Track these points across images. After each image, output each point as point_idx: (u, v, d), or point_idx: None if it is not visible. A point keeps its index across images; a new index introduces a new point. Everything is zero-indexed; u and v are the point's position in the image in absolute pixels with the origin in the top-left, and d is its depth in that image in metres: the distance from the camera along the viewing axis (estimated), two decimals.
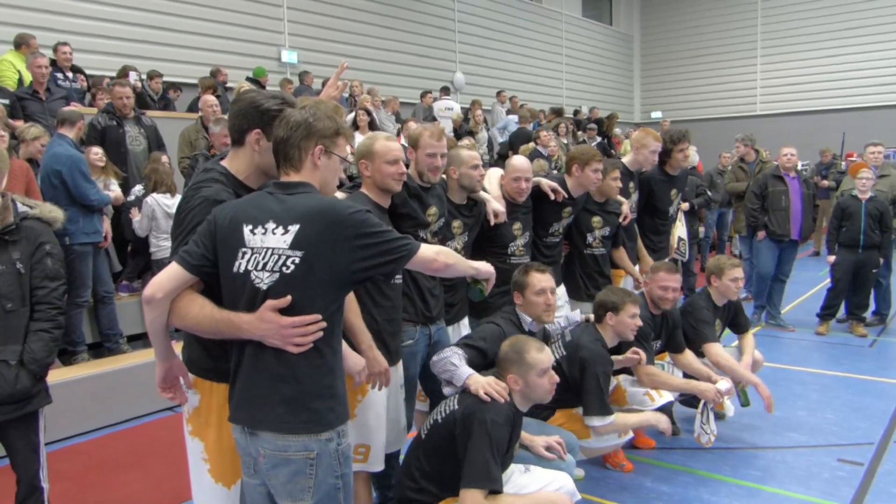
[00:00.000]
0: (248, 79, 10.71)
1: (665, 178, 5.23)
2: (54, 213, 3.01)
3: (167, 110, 8.98)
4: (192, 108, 8.89)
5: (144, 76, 9.22)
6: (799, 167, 13.11)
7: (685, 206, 7.81)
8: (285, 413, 2.01)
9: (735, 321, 4.88)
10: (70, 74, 7.50)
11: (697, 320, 4.54)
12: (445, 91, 13.41)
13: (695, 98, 22.71)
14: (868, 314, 7.79)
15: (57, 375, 5.16)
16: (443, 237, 3.57)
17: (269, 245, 2.03)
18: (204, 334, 2.16)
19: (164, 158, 6.54)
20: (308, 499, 2.04)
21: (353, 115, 9.62)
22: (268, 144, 2.28)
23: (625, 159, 5.19)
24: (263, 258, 2.03)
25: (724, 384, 4.17)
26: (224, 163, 2.39)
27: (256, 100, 2.34)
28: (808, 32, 20.75)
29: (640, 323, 3.83)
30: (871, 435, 4.72)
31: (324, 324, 2.03)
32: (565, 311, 4.27)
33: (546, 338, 3.87)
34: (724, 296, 4.67)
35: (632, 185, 5.02)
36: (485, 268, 2.58)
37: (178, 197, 6.24)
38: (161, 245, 6.13)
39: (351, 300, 2.78)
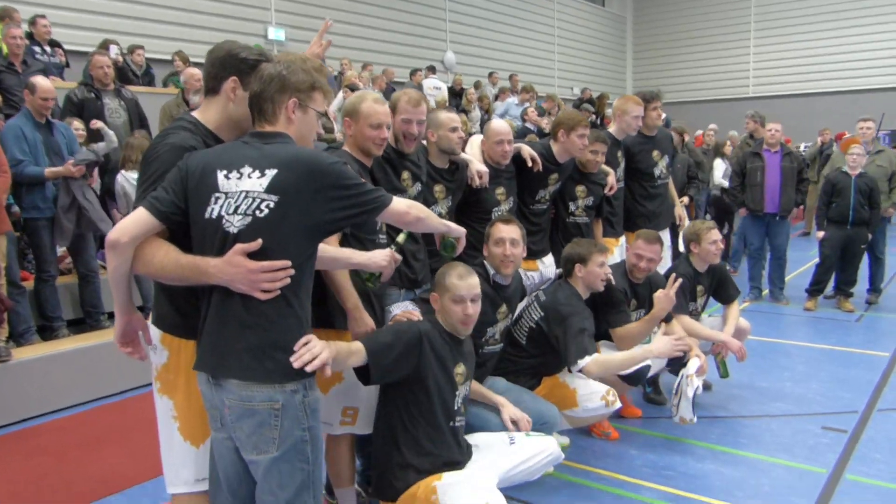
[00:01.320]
0: None
1: (643, 140, 5.16)
2: None
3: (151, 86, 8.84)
4: (166, 83, 8.76)
5: (126, 50, 9.07)
6: (801, 148, 13.08)
7: (685, 199, 7.79)
8: (250, 360, 1.97)
9: (720, 290, 4.84)
10: (48, 48, 7.35)
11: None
12: (432, 70, 13.28)
13: (687, 80, 22.65)
14: (864, 291, 7.80)
15: (38, 350, 5.11)
16: (425, 202, 3.51)
17: (243, 188, 2.00)
18: (169, 281, 2.10)
19: (137, 135, 6.37)
20: (273, 451, 2.00)
21: (340, 93, 9.54)
22: (244, 94, 2.24)
23: (611, 129, 5.13)
24: (237, 201, 1.99)
25: (694, 364, 4.08)
26: (195, 113, 2.35)
27: (233, 49, 2.30)
28: (801, 14, 20.70)
29: (609, 271, 3.81)
30: (855, 404, 4.71)
31: (292, 271, 1.98)
32: (543, 271, 4.21)
33: (523, 295, 3.83)
34: (706, 260, 4.65)
35: (619, 153, 4.97)
36: (456, 227, 2.61)
37: None
38: None
39: None
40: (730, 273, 8.33)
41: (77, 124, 6.09)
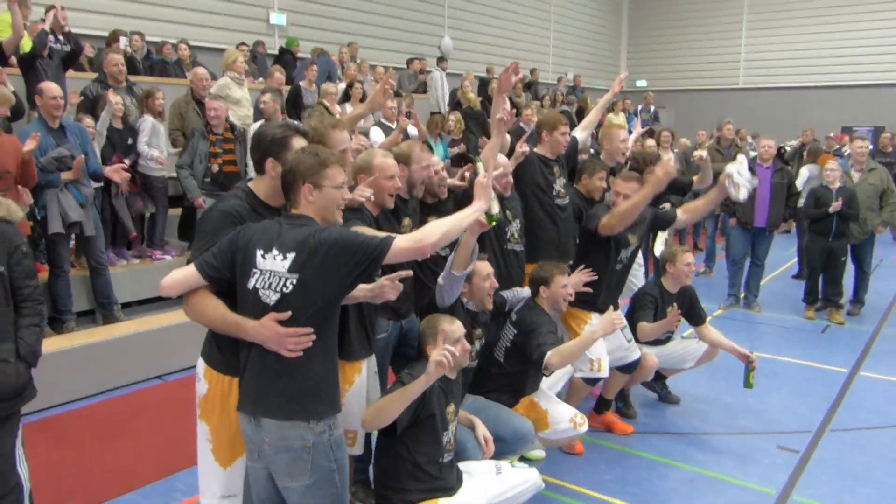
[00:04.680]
0: (281, 49, 11.52)
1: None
2: (14, 211, 3.02)
3: (152, 74, 9.00)
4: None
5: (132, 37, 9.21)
6: (793, 144, 13.25)
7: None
8: (283, 403, 2.42)
9: (691, 311, 5.14)
10: (61, 38, 7.46)
11: (638, 305, 4.98)
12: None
13: (679, 68, 22.87)
14: (846, 302, 8.22)
15: (50, 345, 5.33)
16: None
17: (272, 268, 2.42)
18: (215, 330, 2.59)
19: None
20: (306, 479, 2.44)
21: (343, 86, 9.71)
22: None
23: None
24: (269, 279, 2.43)
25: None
26: (251, 184, 2.78)
27: (264, 132, 2.72)
28: (793, 8, 20.90)
29: (571, 292, 4.11)
30: (810, 423, 5.12)
31: (313, 336, 2.41)
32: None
33: (501, 312, 4.18)
34: (678, 281, 5.04)
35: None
36: (475, 207, 2.64)
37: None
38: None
39: None
40: (706, 273, 8.88)
41: (88, 121, 6.32)
